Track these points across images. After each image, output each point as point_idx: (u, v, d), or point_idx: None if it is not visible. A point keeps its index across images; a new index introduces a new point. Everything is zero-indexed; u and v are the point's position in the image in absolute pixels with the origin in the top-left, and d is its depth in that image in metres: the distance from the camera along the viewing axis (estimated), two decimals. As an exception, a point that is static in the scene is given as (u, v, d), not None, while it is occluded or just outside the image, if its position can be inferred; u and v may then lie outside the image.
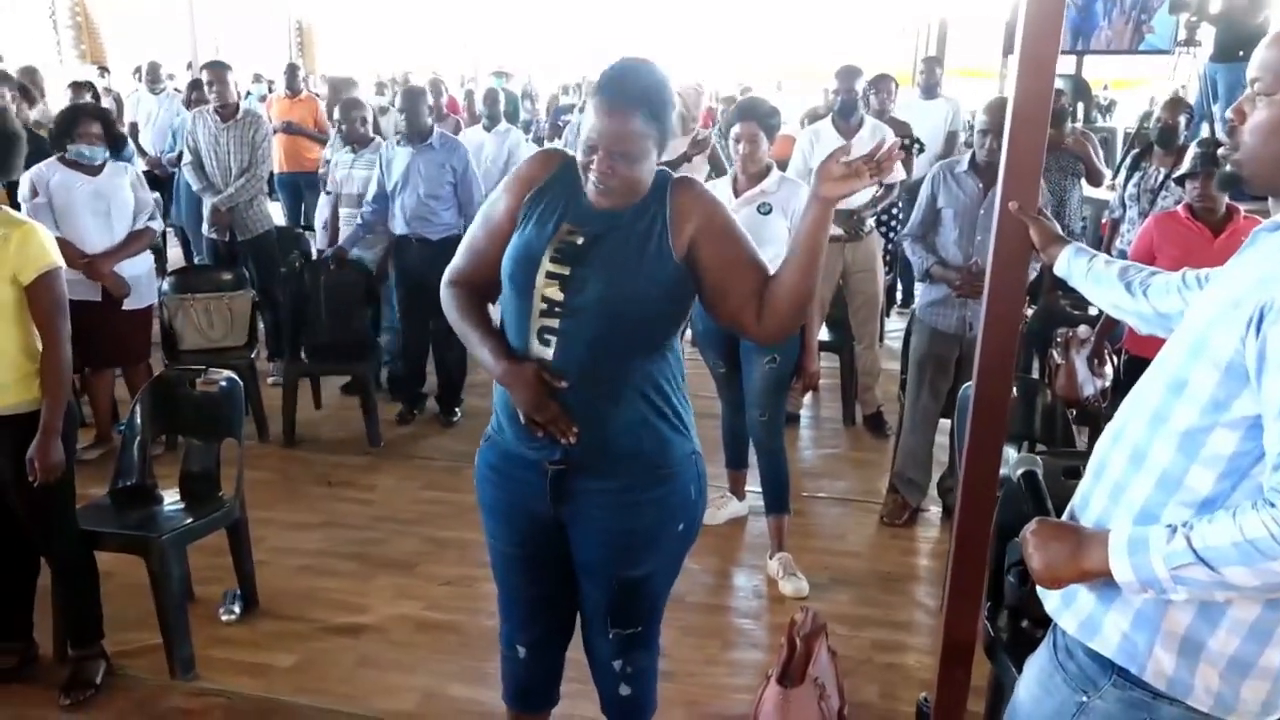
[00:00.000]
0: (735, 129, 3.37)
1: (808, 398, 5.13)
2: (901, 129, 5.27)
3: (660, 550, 1.99)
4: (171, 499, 3.11)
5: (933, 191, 3.73)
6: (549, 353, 1.83)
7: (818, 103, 8.42)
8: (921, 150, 5.41)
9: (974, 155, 3.67)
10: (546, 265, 1.81)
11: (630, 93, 1.75)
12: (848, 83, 4.83)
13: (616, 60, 1.80)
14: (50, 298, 2.59)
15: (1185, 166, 3.64)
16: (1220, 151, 1.41)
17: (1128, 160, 5.05)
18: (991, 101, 3.75)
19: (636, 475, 1.91)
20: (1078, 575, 1.34)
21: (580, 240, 1.82)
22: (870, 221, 4.76)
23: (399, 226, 4.72)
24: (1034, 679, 1.49)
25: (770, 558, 3.47)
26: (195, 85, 6.30)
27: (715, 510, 3.80)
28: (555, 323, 1.81)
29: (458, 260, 2.00)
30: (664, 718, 2.65)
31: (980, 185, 3.59)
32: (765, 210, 3.29)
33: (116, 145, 4.16)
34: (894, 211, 5.55)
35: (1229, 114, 1.35)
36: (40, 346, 2.62)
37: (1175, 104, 4.91)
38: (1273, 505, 1.15)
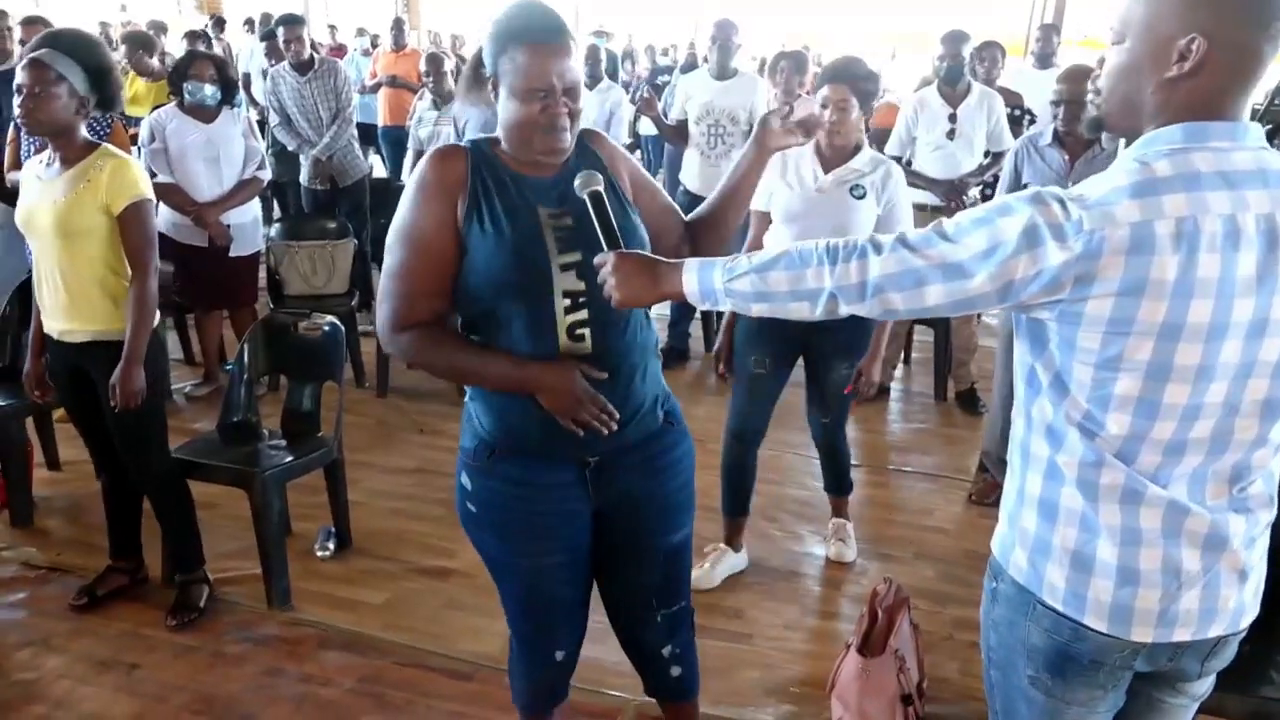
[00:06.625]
0: (823, 91, 2.90)
1: (899, 371, 5.05)
2: (1012, 99, 5.09)
3: (691, 504, 1.99)
4: (274, 437, 3.23)
5: (1016, 165, 3.59)
6: (585, 347, 1.71)
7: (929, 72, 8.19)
8: (1033, 121, 5.22)
9: (1056, 128, 3.52)
10: (558, 258, 1.68)
11: (559, 27, 1.67)
12: (954, 48, 4.68)
13: (511, 6, 1.69)
14: (139, 228, 2.64)
15: None
16: (1089, 98, 1.44)
17: None
18: (1069, 69, 3.57)
19: (657, 435, 1.88)
20: (657, 297, 1.50)
21: (570, 220, 1.70)
22: (974, 192, 4.62)
23: None
24: None
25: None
26: (269, 35, 6.38)
27: (709, 569, 3.12)
28: (584, 314, 1.70)
29: (396, 304, 1.72)
30: (739, 680, 2.69)
31: (1065, 158, 3.45)
32: (860, 194, 2.90)
33: (229, 90, 4.29)
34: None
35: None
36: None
37: (1311, 79, 4.62)
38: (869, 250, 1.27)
